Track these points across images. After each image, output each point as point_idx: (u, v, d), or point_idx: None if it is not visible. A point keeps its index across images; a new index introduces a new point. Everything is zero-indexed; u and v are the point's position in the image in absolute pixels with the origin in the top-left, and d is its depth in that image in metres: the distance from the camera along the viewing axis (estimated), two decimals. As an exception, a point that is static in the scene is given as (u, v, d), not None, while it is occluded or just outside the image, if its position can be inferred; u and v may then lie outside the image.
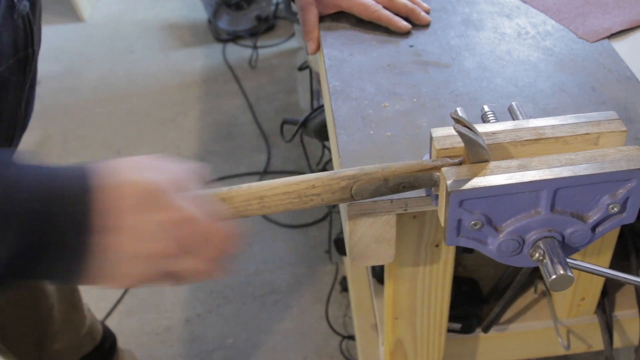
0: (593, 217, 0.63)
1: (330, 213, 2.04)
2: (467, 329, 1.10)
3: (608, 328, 1.08)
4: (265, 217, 2.13)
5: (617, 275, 0.67)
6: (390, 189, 0.63)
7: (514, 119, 0.72)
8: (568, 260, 0.62)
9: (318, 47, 0.98)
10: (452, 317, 1.04)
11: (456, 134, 0.60)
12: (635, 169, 0.60)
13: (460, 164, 0.62)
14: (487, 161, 0.61)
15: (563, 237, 0.63)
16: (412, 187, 0.63)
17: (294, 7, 1.02)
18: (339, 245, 1.64)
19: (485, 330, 1.10)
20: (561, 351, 1.13)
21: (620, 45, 0.91)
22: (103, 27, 3.19)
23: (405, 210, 0.72)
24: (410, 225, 0.82)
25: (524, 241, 0.63)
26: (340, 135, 0.78)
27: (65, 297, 1.21)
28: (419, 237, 0.84)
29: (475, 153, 0.61)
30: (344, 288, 1.81)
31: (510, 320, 1.12)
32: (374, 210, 0.72)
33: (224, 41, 2.95)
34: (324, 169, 1.95)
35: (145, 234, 0.56)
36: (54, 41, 3.07)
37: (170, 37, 3.05)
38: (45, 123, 2.55)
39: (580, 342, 1.13)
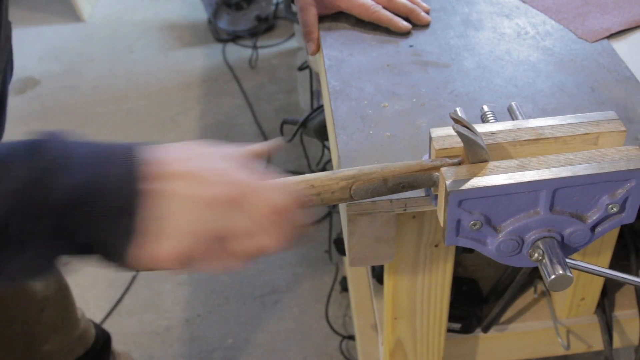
0: (592, 217, 0.63)
1: (330, 213, 2.04)
2: (467, 329, 1.10)
3: (608, 328, 1.08)
4: (265, 217, 2.13)
5: (617, 276, 0.67)
6: (390, 189, 0.63)
7: (513, 119, 0.72)
8: (567, 260, 0.62)
9: (318, 48, 0.98)
10: (452, 317, 1.04)
11: (455, 134, 0.60)
12: (634, 169, 0.60)
13: (459, 164, 0.62)
14: (486, 161, 0.61)
15: (562, 237, 0.63)
16: (411, 187, 0.63)
17: (294, 7, 1.02)
18: (339, 245, 1.64)
19: (485, 330, 1.10)
20: (561, 351, 1.13)
21: (620, 46, 0.91)
22: (103, 27, 3.19)
23: (405, 210, 0.72)
24: (410, 225, 0.82)
25: (523, 241, 0.63)
26: (340, 135, 0.78)
27: (57, 301, 1.20)
28: (419, 237, 0.84)
29: (475, 153, 0.61)
30: (344, 288, 1.81)
31: (510, 320, 1.12)
32: (373, 210, 0.72)
33: (224, 41, 2.95)
34: (323, 169, 1.95)
35: (199, 184, 0.55)
36: (54, 41, 3.07)
37: (170, 37, 3.05)
38: (45, 123, 2.55)
39: (580, 342, 1.13)
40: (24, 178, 0.50)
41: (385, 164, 0.63)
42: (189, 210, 0.55)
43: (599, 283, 1.05)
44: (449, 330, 1.09)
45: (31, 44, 3.02)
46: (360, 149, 0.76)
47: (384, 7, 0.96)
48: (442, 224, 0.63)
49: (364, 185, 0.62)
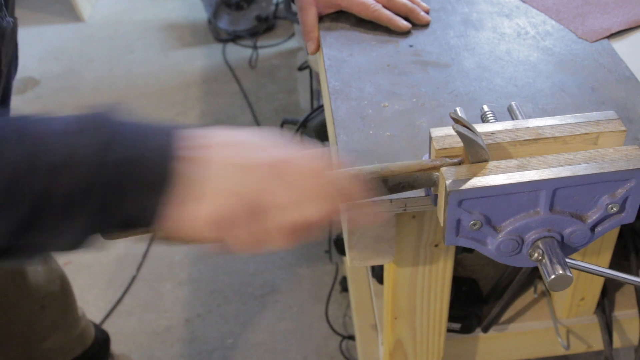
0: (592, 217, 0.63)
1: (330, 213, 2.04)
2: (466, 329, 1.10)
3: (608, 328, 1.08)
4: (265, 217, 2.13)
5: (617, 276, 0.67)
6: (390, 189, 0.63)
7: (513, 119, 0.72)
8: (567, 260, 0.62)
9: (318, 48, 0.98)
10: (452, 317, 1.04)
11: (455, 133, 0.60)
12: (634, 169, 0.60)
13: (459, 163, 0.62)
14: (486, 161, 0.61)
15: (562, 237, 0.63)
16: (411, 187, 0.63)
17: (294, 7, 1.02)
18: (339, 245, 1.64)
19: (485, 330, 1.10)
20: (561, 351, 1.13)
21: (620, 45, 0.91)
22: (103, 27, 3.19)
23: (405, 210, 0.72)
24: (410, 225, 0.82)
25: (523, 241, 0.63)
26: (340, 135, 0.78)
27: (58, 299, 1.21)
28: (419, 237, 0.84)
29: (475, 153, 0.61)
30: (344, 288, 1.81)
31: (510, 320, 1.12)
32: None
33: (224, 41, 2.95)
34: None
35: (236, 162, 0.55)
36: (54, 41, 3.07)
37: (170, 37, 3.05)
38: (45, 123, 2.55)
39: (580, 342, 1.13)
40: (88, 152, 0.51)
41: (385, 164, 0.63)
42: (230, 173, 0.55)
43: (599, 283, 1.05)
44: (449, 330, 1.09)
45: (31, 44, 3.02)
46: (360, 149, 0.76)
47: (384, 6, 0.96)
48: (442, 224, 0.63)
49: (365, 185, 0.62)
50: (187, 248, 2.05)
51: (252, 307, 1.88)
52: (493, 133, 0.64)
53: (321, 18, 0.99)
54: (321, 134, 1.37)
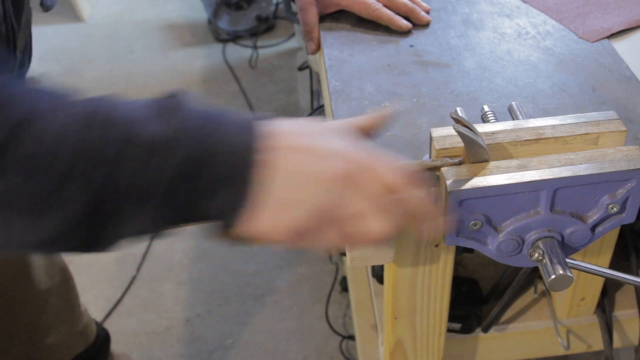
0: (593, 217, 0.63)
1: (330, 213, 2.04)
2: (467, 329, 1.10)
3: (608, 328, 1.08)
4: (265, 217, 2.13)
5: (617, 276, 0.67)
6: None
7: (513, 119, 0.72)
8: (567, 260, 0.62)
9: (318, 48, 0.97)
10: (452, 317, 1.04)
11: (456, 133, 0.60)
12: (634, 169, 0.60)
13: (460, 163, 0.62)
14: (486, 161, 0.61)
15: (562, 237, 0.64)
16: None
17: (294, 7, 1.02)
18: (339, 245, 1.64)
19: (485, 330, 1.10)
20: (561, 351, 1.13)
21: (620, 45, 0.91)
22: (103, 27, 3.19)
23: (405, 210, 0.72)
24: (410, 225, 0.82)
25: (523, 241, 0.63)
26: (340, 135, 0.78)
27: (61, 293, 1.21)
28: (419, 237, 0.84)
29: (475, 153, 0.61)
30: (344, 288, 1.81)
31: (510, 320, 1.12)
32: (373, 210, 0.72)
33: (224, 41, 2.95)
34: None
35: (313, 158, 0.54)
36: (54, 41, 3.07)
37: (170, 37, 3.05)
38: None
39: (580, 342, 1.13)
40: (158, 141, 0.50)
41: None
42: (303, 184, 0.54)
43: (599, 283, 1.05)
44: (449, 330, 1.09)
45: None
46: (360, 148, 0.76)
47: (385, 6, 0.96)
48: (442, 224, 0.63)
49: None
50: (187, 248, 2.05)
51: (252, 307, 1.88)
52: (493, 133, 0.64)
53: (322, 18, 0.99)
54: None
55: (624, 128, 0.64)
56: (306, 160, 0.54)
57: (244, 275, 1.97)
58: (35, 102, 0.51)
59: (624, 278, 0.67)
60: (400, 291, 0.92)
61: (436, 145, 0.64)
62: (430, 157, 0.66)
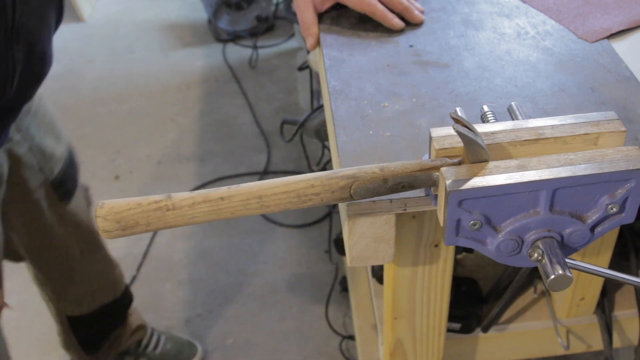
0: (592, 217, 0.63)
1: (330, 213, 2.04)
2: (466, 329, 1.10)
3: (607, 328, 1.08)
4: (266, 217, 2.13)
5: (616, 276, 0.67)
6: (390, 189, 0.63)
7: (513, 120, 0.72)
8: (567, 260, 0.62)
9: (317, 43, 0.98)
10: (452, 317, 1.05)
11: (455, 133, 0.60)
12: (634, 169, 0.60)
13: (459, 163, 0.62)
14: (486, 161, 0.61)
15: (562, 237, 0.63)
16: (411, 186, 0.63)
17: (294, 6, 1.02)
18: (339, 245, 1.64)
19: (485, 330, 1.10)
20: (561, 351, 1.13)
21: (620, 45, 0.91)
22: (103, 27, 3.19)
23: (405, 210, 0.72)
24: (410, 225, 0.82)
25: (522, 241, 0.63)
26: (340, 135, 0.78)
27: (92, 248, 1.43)
28: (418, 237, 0.85)
29: (475, 153, 0.61)
30: (344, 288, 1.81)
31: (509, 320, 1.12)
32: (373, 210, 0.72)
33: (224, 41, 2.95)
34: (323, 169, 1.94)
35: None
36: (54, 41, 3.07)
37: (170, 37, 3.05)
38: (45, 123, 2.55)
39: (579, 342, 1.13)
40: None
41: (385, 164, 0.63)
42: None
43: (598, 283, 1.05)
44: (449, 330, 1.09)
45: (31, 43, 3.02)
46: (360, 149, 0.76)
47: (380, 2, 0.96)
48: (442, 224, 0.63)
49: (364, 184, 0.62)
50: (187, 248, 2.05)
51: (252, 307, 1.88)
52: (493, 133, 0.64)
53: (321, 18, 0.99)
54: (321, 134, 1.37)
55: (623, 128, 0.64)
56: None
57: (244, 275, 1.97)
58: None
59: (624, 278, 0.67)
60: (400, 291, 0.92)
61: (435, 145, 0.64)
62: (429, 157, 0.66)
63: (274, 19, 2.96)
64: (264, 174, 2.30)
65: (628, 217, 0.64)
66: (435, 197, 0.65)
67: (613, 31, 0.93)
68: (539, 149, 0.64)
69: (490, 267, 1.18)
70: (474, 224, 0.61)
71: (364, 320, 1.31)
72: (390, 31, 0.96)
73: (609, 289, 1.11)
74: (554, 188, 0.60)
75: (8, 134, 1.03)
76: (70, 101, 2.72)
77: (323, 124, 1.35)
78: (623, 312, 1.12)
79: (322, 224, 2.08)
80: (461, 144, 0.62)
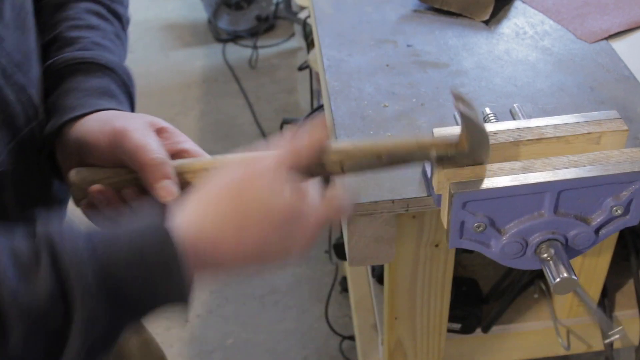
0: (597, 219, 0.63)
1: (330, 213, 2.03)
2: (466, 329, 1.10)
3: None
4: (265, 217, 2.13)
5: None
6: (384, 165, 0.61)
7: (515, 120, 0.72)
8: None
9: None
10: (452, 317, 1.04)
11: (457, 133, 0.60)
12: (639, 171, 0.60)
13: (456, 143, 0.61)
14: (486, 144, 0.60)
15: (566, 240, 0.63)
16: (404, 162, 0.61)
17: (294, 6, 1.01)
18: (339, 250, 1.63)
19: (485, 330, 1.10)
20: (561, 351, 1.13)
21: (619, 45, 0.91)
22: (102, 27, 3.18)
23: (407, 210, 0.72)
24: (410, 225, 0.82)
25: (527, 243, 0.63)
26: (340, 135, 0.78)
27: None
28: (419, 237, 0.84)
29: (473, 132, 0.59)
30: (344, 288, 1.81)
31: (510, 320, 1.12)
32: (373, 210, 0.72)
33: (224, 41, 2.94)
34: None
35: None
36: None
37: (170, 37, 3.05)
38: (44, 123, 2.55)
39: (580, 342, 1.13)
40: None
41: (380, 140, 0.61)
42: (239, 259, 0.58)
43: (599, 283, 1.05)
44: (449, 330, 1.09)
45: (30, 43, 3.02)
46: (361, 149, 0.76)
47: None
48: (445, 226, 0.63)
49: (357, 160, 0.60)
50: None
51: (252, 307, 1.88)
52: (495, 133, 0.64)
53: (321, 17, 0.99)
54: (321, 134, 1.36)
55: (625, 127, 0.64)
56: (238, 248, 0.58)
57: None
58: None
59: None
60: (400, 291, 0.92)
61: (437, 145, 0.63)
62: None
63: (274, 18, 2.95)
64: (264, 173, 2.29)
65: (632, 219, 0.64)
66: (438, 198, 0.65)
67: (612, 32, 0.93)
68: (541, 148, 0.64)
69: (490, 267, 1.18)
70: (478, 226, 0.61)
71: (364, 320, 1.31)
72: (388, 31, 0.96)
73: (610, 289, 1.11)
74: (559, 190, 0.60)
75: None
76: (69, 101, 2.72)
77: (323, 124, 1.35)
78: (623, 312, 1.11)
79: (322, 224, 2.08)
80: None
